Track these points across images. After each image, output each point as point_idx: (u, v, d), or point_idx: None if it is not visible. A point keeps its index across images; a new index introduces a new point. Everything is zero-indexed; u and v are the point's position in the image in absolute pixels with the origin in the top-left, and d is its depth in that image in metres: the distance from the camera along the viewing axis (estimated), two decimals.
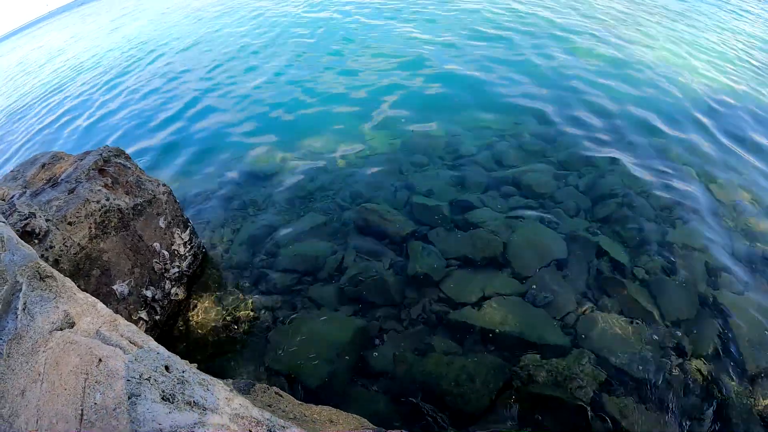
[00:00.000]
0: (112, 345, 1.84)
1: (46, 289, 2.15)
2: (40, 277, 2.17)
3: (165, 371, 1.74)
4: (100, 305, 2.10)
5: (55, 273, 2.17)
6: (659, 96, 8.31)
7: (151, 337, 1.97)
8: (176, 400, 1.63)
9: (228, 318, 4.48)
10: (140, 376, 1.67)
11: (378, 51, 11.47)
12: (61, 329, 2.03)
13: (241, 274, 5.02)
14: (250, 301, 4.64)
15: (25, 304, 2.12)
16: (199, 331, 4.39)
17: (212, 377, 1.85)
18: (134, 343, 1.87)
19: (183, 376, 1.74)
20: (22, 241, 2.36)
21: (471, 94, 8.60)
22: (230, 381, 2.76)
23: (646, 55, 10.25)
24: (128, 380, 1.66)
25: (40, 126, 12.37)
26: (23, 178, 4.22)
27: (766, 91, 8.95)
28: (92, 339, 1.89)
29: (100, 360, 1.80)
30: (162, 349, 1.85)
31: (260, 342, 4.23)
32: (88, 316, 2.05)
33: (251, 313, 4.50)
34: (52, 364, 1.91)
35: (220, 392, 1.73)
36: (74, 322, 2.05)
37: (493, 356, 3.90)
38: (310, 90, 9.76)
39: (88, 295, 2.16)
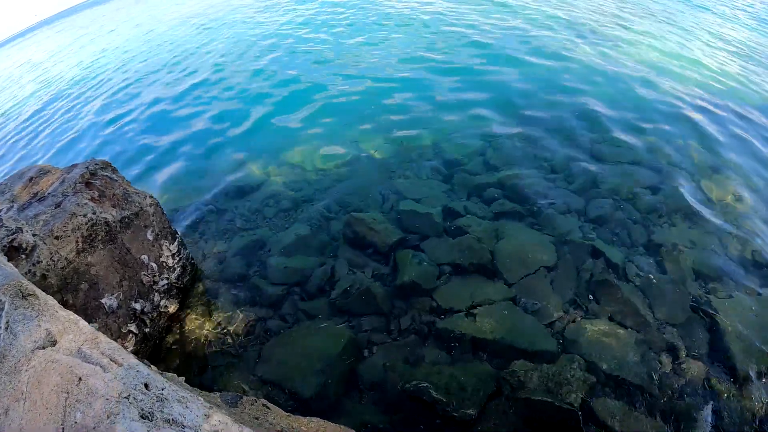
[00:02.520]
0: (93, 363, 1.84)
1: (28, 308, 2.15)
2: (23, 296, 2.17)
3: (144, 389, 1.73)
4: (82, 323, 2.10)
5: (37, 291, 2.17)
6: (646, 95, 8.37)
7: (132, 355, 1.96)
8: (155, 418, 1.63)
9: (219, 330, 4.46)
10: (119, 395, 1.67)
11: (360, 59, 11.53)
12: (44, 347, 2.03)
13: (232, 286, 4.99)
14: (242, 312, 4.63)
15: (7, 322, 2.11)
16: (190, 343, 4.37)
17: (192, 393, 1.84)
18: (114, 361, 1.87)
19: (162, 394, 1.73)
20: (4, 260, 2.35)
21: (456, 98, 8.65)
22: (217, 394, 2.75)
23: (631, 53, 10.36)
24: (107, 399, 1.66)
25: (25, 138, 12.29)
26: (11, 192, 4.21)
27: (755, 86, 9.01)
28: (73, 357, 1.89)
29: (80, 379, 1.79)
30: (142, 366, 1.85)
31: (251, 354, 4.22)
32: (70, 333, 2.04)
33: (242, 325, 4.49)
34: (34, 383, 1.91)
35: (199, 409, 1.72)
36: (56, 340, 2.04)
37: (483, 364, 3.90)
38: (294, 100, 9.76)
39: (70, 312, 2.16)
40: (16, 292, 2.17)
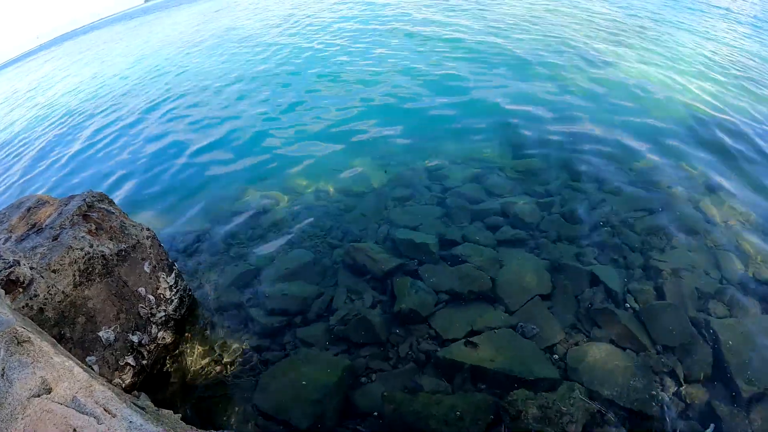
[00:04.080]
0: (87, 414, 1.83)
1: (24, 354, 2.15)
2: (18, 342, 2.17)
3: None
4: (77, 369, 2.09)
5: (32, 337, 2.17)
6: (643, 117, 8.39)
7: (125, 404, 1.96)
8: None
9: (216, 360, 4.44)
10: None
11: (356, 84, 11.61)
12: (39, 395, 2.02)
13: (230, 315, 4.98)
14: (239, 342, 4.61)
15: (3, 370, 2.10)
16: (188, 374, 4.35)
17: None
18: (109, 412, 1.86)
19: None
20: None
21: (453, 124, 8.71)
22: None
23: (627, 74, 10.41)
24: None
25: (22, 166, 12.20)
26: (8, 222, 4.22)
27: (751, 105, 9.04)
28: (67, 408, 1.89)
29: (74, 430, 1.79)
30: (135, 416, 1.84)
31: (249, 384, 4.19)
32: (65, 381, 2.04)
33: (238, 355, 4.47)
34: None
35: None
36: (51, 388, 2.04)
37: (482, 393, 3.87)
38: (291, 127, 9.79)
39: (65, 358, 2.15)
40: (12, 338, 2.17)
